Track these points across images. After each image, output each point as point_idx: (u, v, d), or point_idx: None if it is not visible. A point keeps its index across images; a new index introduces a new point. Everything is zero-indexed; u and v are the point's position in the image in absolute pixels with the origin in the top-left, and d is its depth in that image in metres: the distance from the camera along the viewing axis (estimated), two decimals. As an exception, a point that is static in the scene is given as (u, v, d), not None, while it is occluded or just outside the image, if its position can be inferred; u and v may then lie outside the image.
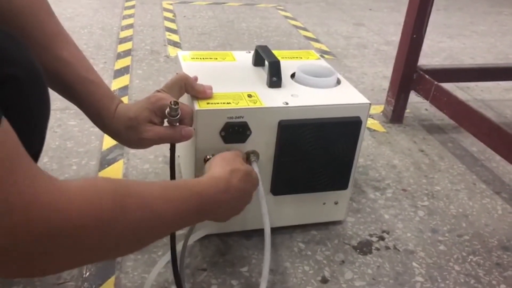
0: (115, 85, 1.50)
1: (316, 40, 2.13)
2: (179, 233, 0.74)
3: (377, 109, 1.48)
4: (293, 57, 0.97)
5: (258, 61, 0.90)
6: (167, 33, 2.06)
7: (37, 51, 0.59)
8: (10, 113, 0.49)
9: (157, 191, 0.52)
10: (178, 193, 0.55)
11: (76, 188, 0.42)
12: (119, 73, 1.59)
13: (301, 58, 0.98)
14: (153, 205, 0.50)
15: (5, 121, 0.36)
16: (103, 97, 0.69)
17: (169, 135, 0.70)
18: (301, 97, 0.80)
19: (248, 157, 0.78)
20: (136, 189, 0.49)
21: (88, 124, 1.25)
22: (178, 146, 0.74)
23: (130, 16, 2.26)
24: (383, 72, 1.80)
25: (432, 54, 2.07)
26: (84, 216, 0.41)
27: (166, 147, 1.15)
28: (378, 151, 1.25)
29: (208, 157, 0.76)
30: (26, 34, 0.61)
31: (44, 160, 1.08)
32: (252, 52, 0.93)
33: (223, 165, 0.67)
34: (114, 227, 0.44)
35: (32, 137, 0.56)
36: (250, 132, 0.76)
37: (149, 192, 0.51)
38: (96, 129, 1.23)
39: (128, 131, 0.69)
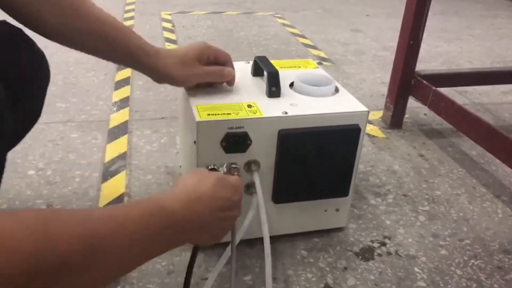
0: (116, 96, 1.52)
1: (314, 47, 2.15)
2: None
3: (376, 115, 1.49)
4: (292, 67, 0.99)
5: (257, 71, 0.92)
6: (166, 43, 2.08)
7: (69, 13, 0.65)
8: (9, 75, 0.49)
9: (100, 213, 0.45)
10: (131, 212, 0.46)
11: (4, 217, 0.36)
12: (120, 84, 1.61)
13: (300, 67, 0.99)
14: (95, 232, 0.41)
15: None
16: (142, 39, 0.74)
17: (214, 72, 0.81)
18: (300, 106, 0.81)
19: (249, 167, 0.79)
20: (67, 212, 0.42)
21: (90, 136, 1.26)
22: (180, 156, 0.75)
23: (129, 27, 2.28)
24: (381, 78, 1.82)
25: (429, 59, 2.08)
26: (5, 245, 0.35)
27: (168, 158, 1.17)
28: (378, 157, 1.26)
29: (210, 167, 0.77)
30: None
31: (48, 173, 1.09)
32: (251, 62, 0.94)
33: (190, 177, 0.59)
34: (43, 259, 0.36)
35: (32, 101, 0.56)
36: (251, 141, 0.77)
37: (87, 214, 0.43)
38: (99, 141, 1.25)
39: (178, 66, 0.77)
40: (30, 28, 0.65)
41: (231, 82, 0.84)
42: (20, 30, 0.68)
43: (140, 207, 0.48)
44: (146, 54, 0.75)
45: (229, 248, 0.75)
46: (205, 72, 0.80)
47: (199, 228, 0.56)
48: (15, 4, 0.63)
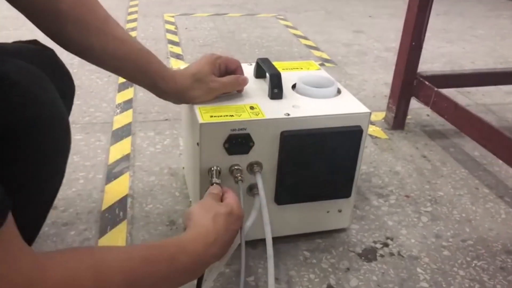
0: (119, 98, 1.53)
1: (317, 49, 2.16)
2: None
3: (378, 116, 1.49)
4: (294, 68, 0.99)
5: (259, 73, 0.92)
6: (169, 45, 2.08)
7: (94, 34, 0.67)
8: (35, 154, 0.51)
9: (137, 254, 0.51)
10: (162, 254, 0.54)
11: (57, 266, 0.42)
12: (124, 86, 1.62)
13: (302, 69, 0.99)
14: (137, 270, 0.49)
15: (9, 215, 0.39)
16: (161, 64, 0.76)
17: (231, 83, 0.81)
18: (302, 108, 0.81)
19: (251, 168, 0.79)
20: (113, 254, 0.49)
21: (94, 137, 1.27)
22: (183, 157, 0.75)
23: (132, 29, 2.30)
24: (384, 79, 1.82)
25: (432, 60, 2.08)
26: None
27: (171, 159, 1.17)
28: (380, 158, 1.26)
29: (213, 168, 0.77)
30: (84, 20, 0.66)
31: (52, 174, 1.09)
32: (254, 64, 0.95)
33: (203, 215, 0.65)
34: None
35: (55, 175, 0.58)
36: (253, 143, 0.78)
37: (128, 255, 0.50)
38: (102, 143, 1.26)
39: (196, 84, 0.78)
40: (57, 43, 0.67)
41: (241, 90, 0.85)
42: (51, 50, 0.70)
43: (170, 250, 0.55)
44: (164, 79, 0.75)
45: (230, 249, 0.75)
46: (222, 85, 0.80)
47: (211, 261, 0.64)
48: (44, 21, 0.64)
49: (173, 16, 2.58)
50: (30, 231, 0.52)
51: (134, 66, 0.72)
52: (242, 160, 0.79)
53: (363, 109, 0.83)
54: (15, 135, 0.48)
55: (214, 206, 0.67)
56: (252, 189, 0.81)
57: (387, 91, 1.54)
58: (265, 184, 0.79)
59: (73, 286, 0.42)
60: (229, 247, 0.67)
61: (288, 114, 0.78)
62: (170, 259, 0.54)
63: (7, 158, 0.40)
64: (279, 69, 0.85)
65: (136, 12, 2.63)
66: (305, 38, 2.31)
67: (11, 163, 0.40)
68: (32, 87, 0.52)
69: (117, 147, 1.23)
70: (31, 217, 0.53)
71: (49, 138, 0.54)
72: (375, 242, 0.94)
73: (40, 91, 0.53)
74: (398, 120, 1.41)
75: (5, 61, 0.50)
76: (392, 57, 2.00)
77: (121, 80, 1.67)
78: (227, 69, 0.83)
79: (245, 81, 0.83)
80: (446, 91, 1.28)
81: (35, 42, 0.70)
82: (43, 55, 0.68)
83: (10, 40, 0.70)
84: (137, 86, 1.65)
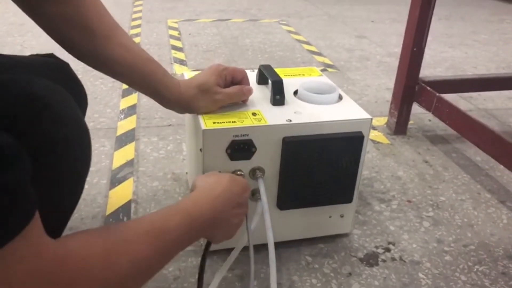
0: (123, 104, 1.54)
1: (319, 54, 2.17)
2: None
3: (381, 121, 1.50)
4: (296, 74, 1.00)
5: (261, 79, 0.93)
6: (172, 51, 2.10)
7: (100, 41, 0.68)
8: (59, 170, 0.53)
9: (143, 231, 0.53)
10: (168, 225, 0.56)
11: (73, 257, 0.45)
12: (127, 92, 1.63)
13: (304, 75, 1.00)
14: (143, 250, 0.51)
15: (36, 213, 0.42)
16: (166, 73, 0.77)
17: (236, 94, 0.82)
18: (304, 114, 0.82)
19: (254, 173, 0.80)
20: (124, 245, 0.51)
21: (98, 143, 1.28)
22: (186, 162, 0.76)
23: (136, 35, 2.31)
24: (386, 84, 1.83)
25: (434, 64, 2.09)
26: (78, 280, 0.45)
27: (174, 164, 1.18)
28: (382, 163, 1.26)
29: (216, 173, 0.78)
30: (90, 26, 0.67)
31: (56, 179, 1.10)
32: (256, 70, 0.96)
33: (206, 178, 0.70)
34: (108, 283, 0.48)
35: (77, 187, 0.60)
36: (255, 149, 0.79)
37: (136, 233, 0.52)
38: (106, 148, 1.27)
39: (201, 95, 0.79)
40: (62, 46, 0.68)
41: (246, 100, 0.85)
42: (67, 63, 0.71)
43: (175, 219, 0.57)
44: (168, 88, 0.76)
45: (232, 253, 0.76)
46: (227, 96, 0.81)
47: (219, 224, 0.65)
48: (50, 23, 0.66)
49: (176, 22, 2.60)
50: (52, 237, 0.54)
51: (139, 75, 0.73)
52: (244, 166, 0.79)
53: (364, 115, 0.84)
54: (43, 155, 0.50)
55: (216, 172, 0.73)
56: (254, 194, 0.81)
57: (389, 96, 1.54)
58: (267, 189, 0.80)
59: (86, 273, 0.45)
60: (236, 213, 0.68)
61: (290, 120, 0.79)
62: (176, 228, 0.56)
63: (32, 175, 0.42)
64: (281, 76, 0.86)
65: (139, 18, 2.65)
66: (308, 43, 2.32)
67: (36, 179, 0.41)
68: (60, 108, 0.53)
69: (121, 153, 1.24)
70: (52, 227, 0.55)
71: (74, 156, 0.55)
72: (377, 247, 0.95)
73: (66, 112, 0.54)
74: (400, 125, 1.42)
75: (34, 81, 0.51)
76: (394, 62, 2.00)
77: (125, 86, 1.68)
78: (233, 79, 0.84)
79: (249, 91, 0.84)
80: (448, 96, 1.29)
81: (51, 56, 0.71)
82: (59, 69, 0.69)
83: (16, 47, 0.71)
84: (141, 92, 1.66)
